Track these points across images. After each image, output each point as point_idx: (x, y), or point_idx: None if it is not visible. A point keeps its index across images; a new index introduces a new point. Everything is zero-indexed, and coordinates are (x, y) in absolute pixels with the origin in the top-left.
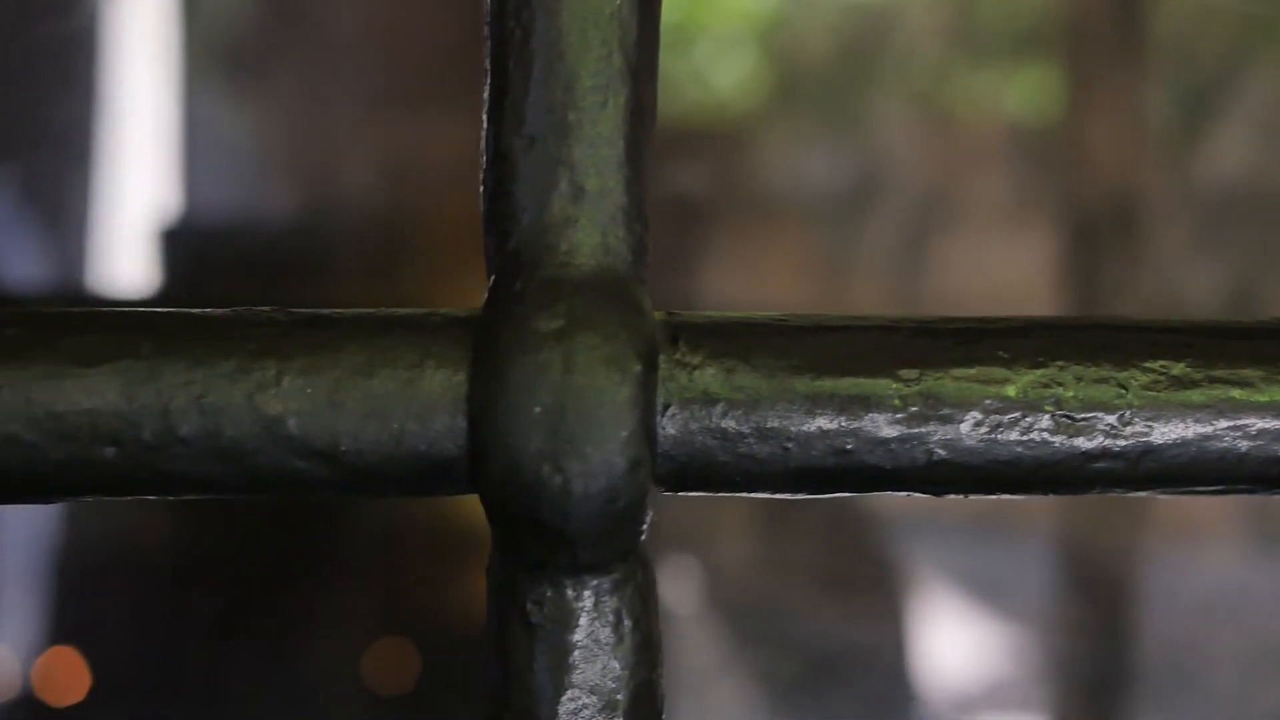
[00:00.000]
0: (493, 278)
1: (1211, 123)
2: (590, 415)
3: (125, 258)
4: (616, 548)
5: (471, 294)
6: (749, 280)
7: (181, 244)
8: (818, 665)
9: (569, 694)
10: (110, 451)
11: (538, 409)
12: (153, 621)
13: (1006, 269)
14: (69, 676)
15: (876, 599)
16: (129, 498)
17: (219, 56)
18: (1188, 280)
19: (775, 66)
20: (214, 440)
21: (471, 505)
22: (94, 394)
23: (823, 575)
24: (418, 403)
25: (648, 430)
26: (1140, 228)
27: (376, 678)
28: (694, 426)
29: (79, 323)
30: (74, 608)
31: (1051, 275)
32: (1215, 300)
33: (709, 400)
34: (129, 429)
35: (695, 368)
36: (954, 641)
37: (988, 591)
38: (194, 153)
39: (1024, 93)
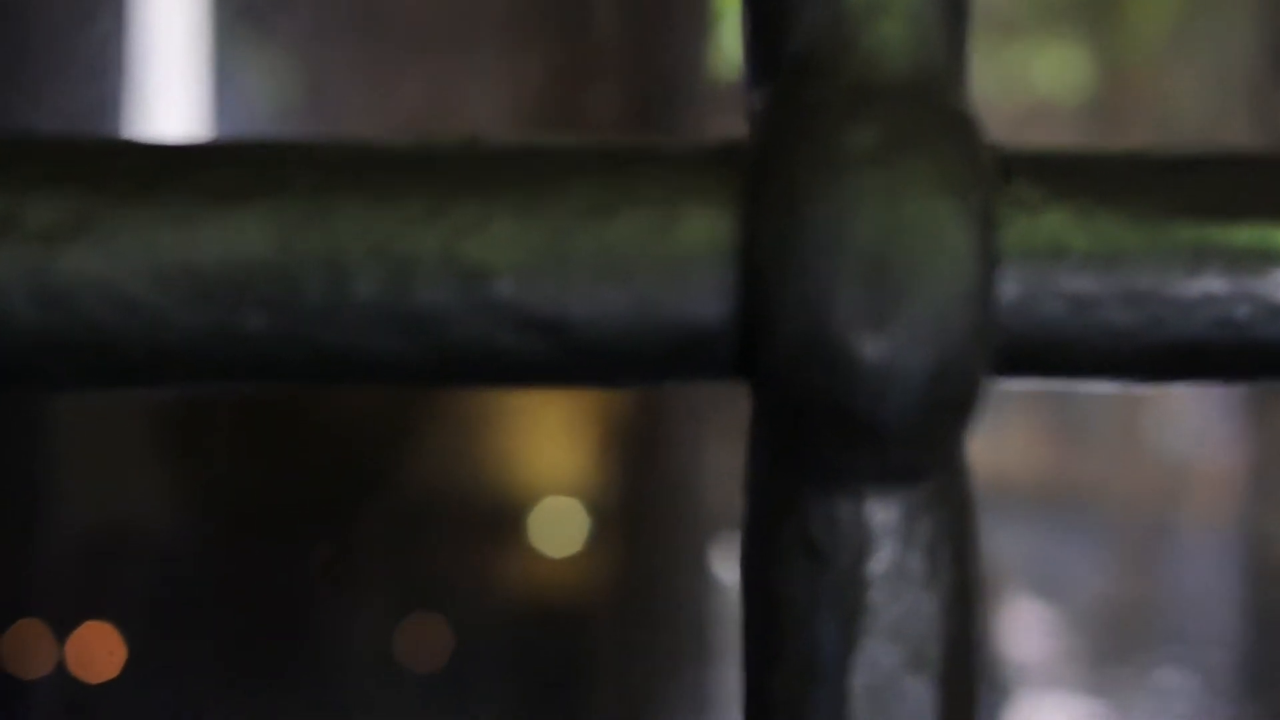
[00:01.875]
0: (766, 91)
1: None
2: (922, 262)
3: None
4: (938, 450)
5: None
6: None
7: None
8: None
9: (865, 643)
10: (259, 318)
11: (848, 253)
12: (185, 597)
13: None
14: (104, 651)
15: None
16: (274, 383)
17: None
18: None
19: None
20: (398, 304)
21: (508, 478)
22: (239, 241)
23: None
24: (671, 253)
25: (989, 287)
26: None
27: (409, 655)
28: (1038, 285)
29: (217, 156)
30: (107, 583)
31: None
32: None
33: (1058, 251)
34: (284, 288)
35: (1038, 209)
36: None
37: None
38: (221, 98)
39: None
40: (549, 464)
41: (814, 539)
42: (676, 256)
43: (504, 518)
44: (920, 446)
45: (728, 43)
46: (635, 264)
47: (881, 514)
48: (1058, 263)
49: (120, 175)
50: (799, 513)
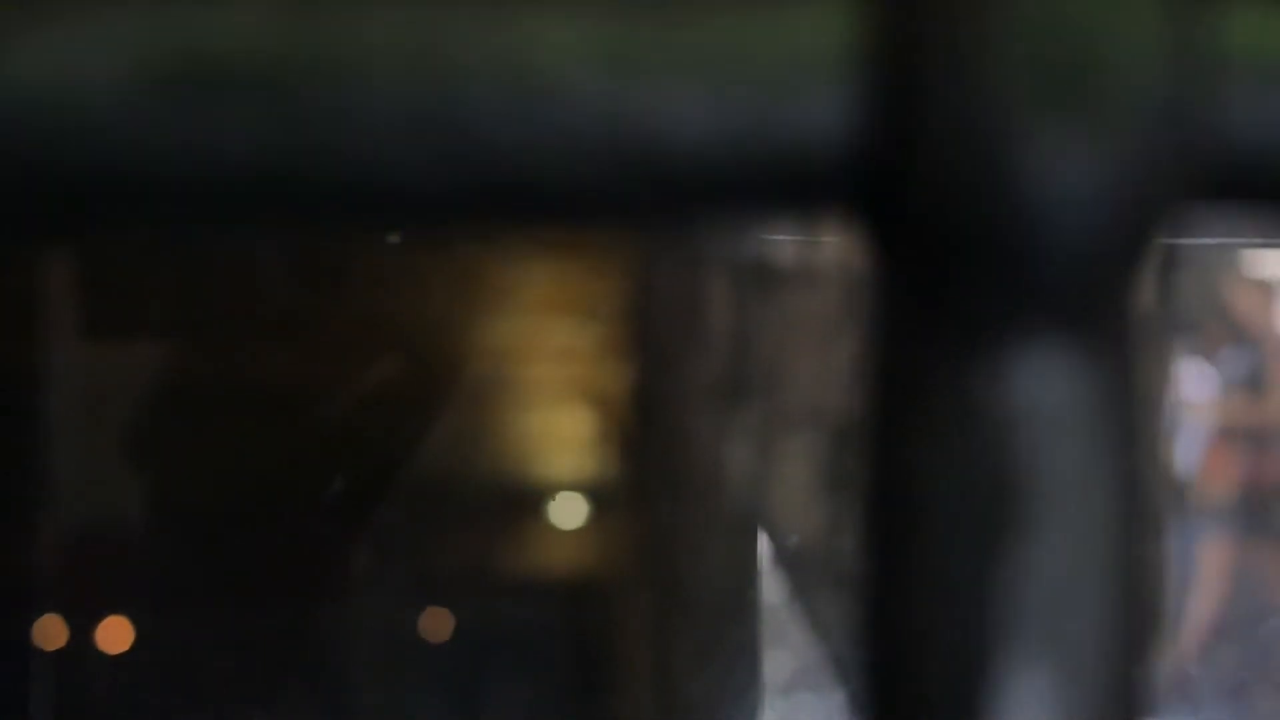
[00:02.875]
0: None
1: None
2: (1110, 52)
3: None
4: (1110, 295)
5: None
6: None
7: None
8: None
9: (1022, 513)
10: (246, 121)
11: (1019, 39)
12: (194, 585)
13: None
14: (112, 639)
15: None
16: (263, 222)
17: None
18: None
19: None
20: (432, 110)
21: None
22: (222, 21)
23: None
24: (781, 55)
25: (1199, 90)
26: None
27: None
28: (1266, 95)
29: None
30: (118, 571)
31: None
32: None
33: (1265, 61)
34: (281, 81)
35: (1241, 5)
36: None
37: None
38: None
39: None
40: (569, 447)
41: (962, 395)
42: (789, 55)
43: (524, 499)
44: (1091, 291)
45: None
46: (734, 66)
47: (1041, 369)
48: (1271, 71)
49: None
50: (941, 365)
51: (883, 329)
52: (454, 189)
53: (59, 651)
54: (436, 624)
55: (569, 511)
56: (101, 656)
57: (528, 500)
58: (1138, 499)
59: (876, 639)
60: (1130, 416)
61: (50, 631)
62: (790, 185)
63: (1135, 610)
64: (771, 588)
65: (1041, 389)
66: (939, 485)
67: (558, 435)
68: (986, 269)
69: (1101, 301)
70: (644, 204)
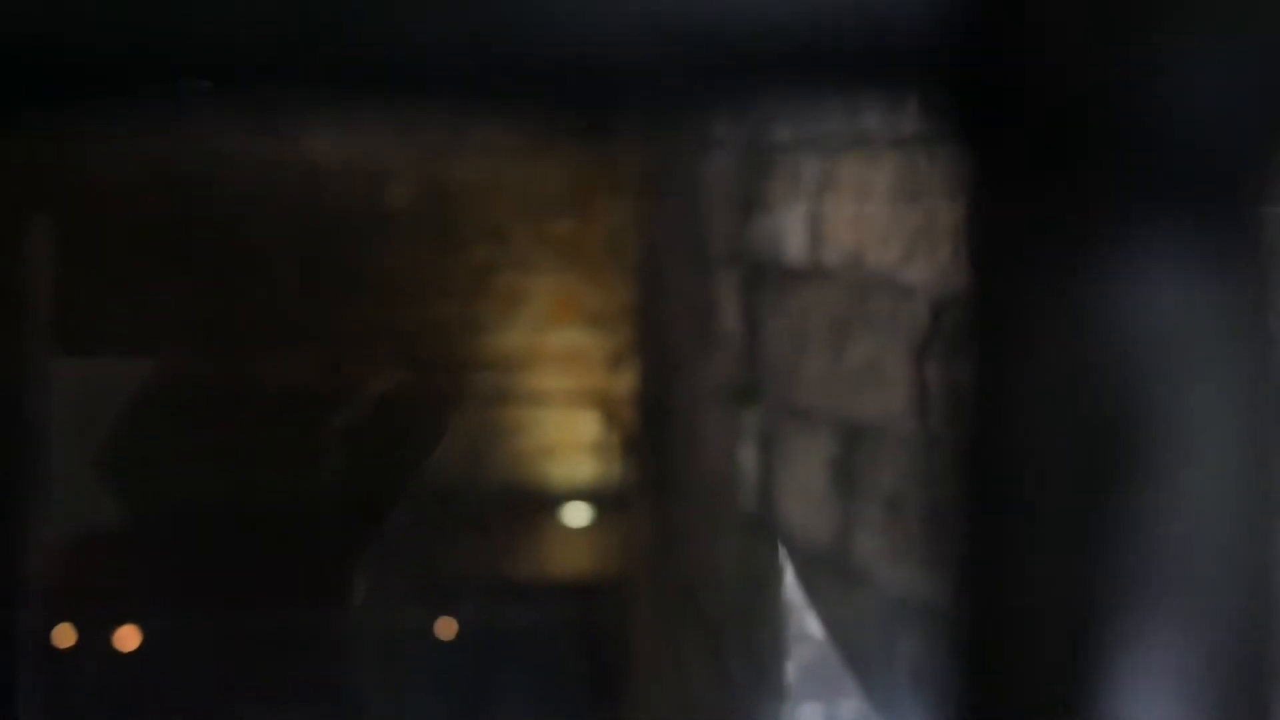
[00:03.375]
0: None
1: None
2: None
3: None
4: (1247, 198)
5: None
6: None
7: None
8: None
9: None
10: None
11: None
12: (209, 587)
13: None
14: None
15: None
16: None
17: None
18: None
19: None
20: None
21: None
22: None
23: None
24: None
25: None
26: None
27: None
28: None
29: None
30: (128, 579)
31: None
32: None
33: None
34: None
35: None
36: None
37: None
38: None
39: None
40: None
41: (1063, 321)
42: None
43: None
44: (1224, 180)
45: None
46: None
47: (1156, 284)
48: None
49: None
50: (1041, 289)
51: (973, 233)
52: (500, 63)
53: (58, 650)
54: (446, 627)
55: (581, 514)
56: (114, 657)
57: (540, 503)
58: (1275, 437)
59: (971, 605)
60: (1265, 341)
61: (61, 634)
62: (870, 53)
63: (1272, 570)
64: (786, 589)
65: (1162, 306)
66: (1040, 423)
67: (570, 439)
68: (1102, 154)
69: (1236, 202)
70: (714, 79)
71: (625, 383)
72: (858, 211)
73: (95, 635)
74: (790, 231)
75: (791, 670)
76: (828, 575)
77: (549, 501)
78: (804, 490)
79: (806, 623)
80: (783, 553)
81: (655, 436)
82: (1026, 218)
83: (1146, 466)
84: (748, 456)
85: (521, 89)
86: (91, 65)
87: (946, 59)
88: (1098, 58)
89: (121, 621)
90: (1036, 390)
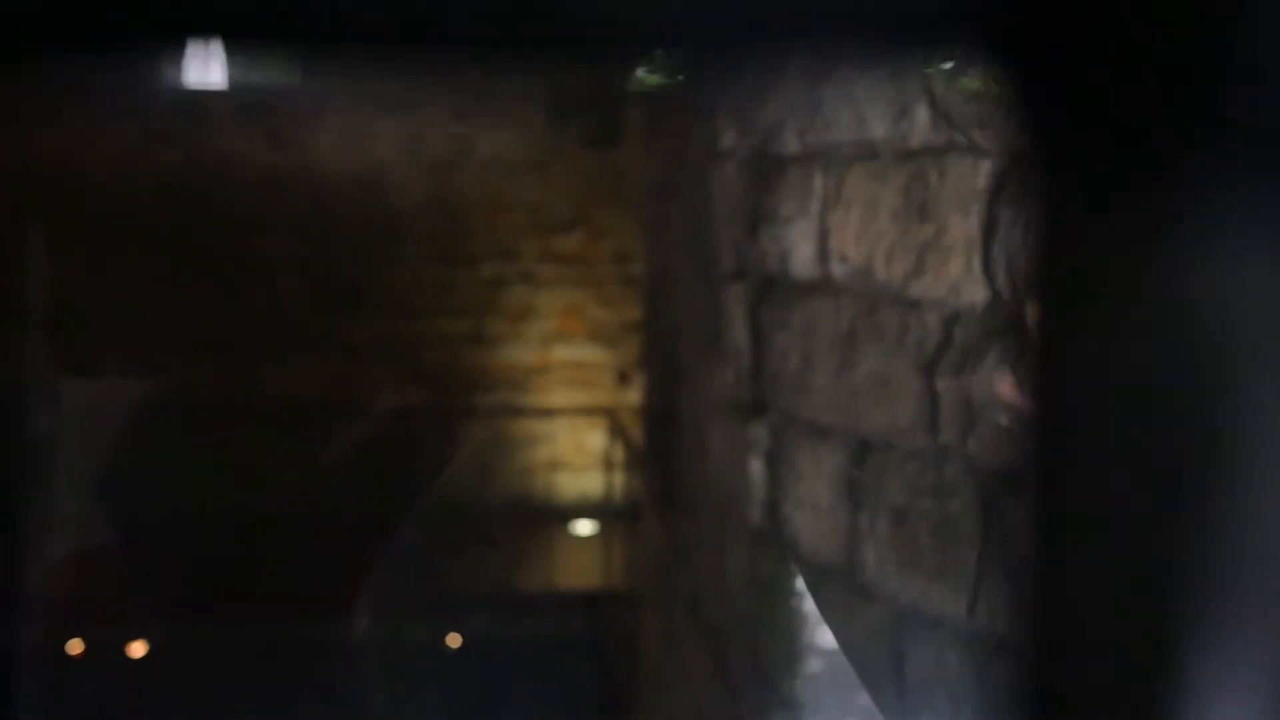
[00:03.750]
0: None
1: None
2: None
3: None
4: None
5: None
6: None
7: None
8: None
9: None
10: None
11: None
12: (213, 596)
13: None
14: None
15: None
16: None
17: None
18: None
19: None
20: None
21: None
22: None
23: None
24: None
25: None
26: None
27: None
28: None
29: None
30: (133, 592)
31: None
32: None
33: None
34: None
35: None
36: None
37: None
38: None
39: None
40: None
41: (1135, 291)
42: None
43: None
44: None
45: None
46: None
47: (1238, 249)
48: None
49: None
50: (1108, 259)
51: (1031, 199)
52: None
53: (60, 663)
54: (454, 639)
55: (589, 527)
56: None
57: (548, 516)
58: None
59: (1035, 614)
60: None
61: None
62: (915, 8)
63: None
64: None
65: (1245, 274)
66: (1109, 405)
67: (580, 452)
68: (1177, 111)
69: None
70: (775, 27)
71: (633, 396)
72: (866, 225)
73: (99, 648)
74: (798, 245)
75: (799, 683)
76: (836, 588)
77: (557, 514)
78: (812, 503)
79: (815, 635)
80: (791, 565)
81: (663, 450)
82: (1091, 180)
83: (1229, 468)
84: (756, 469)
85: (561, 35)
86: (94, 17)
87: (1006, 18)
88: (1163, 14)
89: (126, 634)
90: (1104, 370)
